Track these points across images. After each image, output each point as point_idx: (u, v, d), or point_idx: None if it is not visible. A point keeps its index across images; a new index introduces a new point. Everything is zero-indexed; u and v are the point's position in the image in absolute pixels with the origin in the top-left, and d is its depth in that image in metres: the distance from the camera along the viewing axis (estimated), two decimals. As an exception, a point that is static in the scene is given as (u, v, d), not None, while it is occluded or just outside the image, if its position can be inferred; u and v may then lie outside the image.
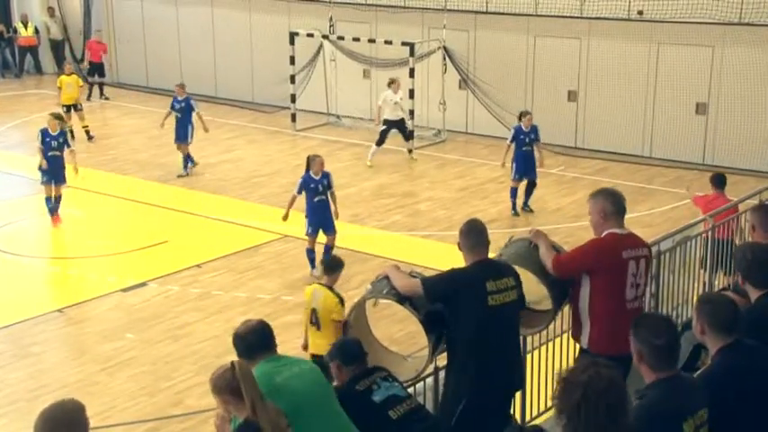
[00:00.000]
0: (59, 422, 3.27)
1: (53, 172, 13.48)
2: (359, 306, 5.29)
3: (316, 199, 11.27)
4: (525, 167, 13.57)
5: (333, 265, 8.20)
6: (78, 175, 13.78)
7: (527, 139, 13.59)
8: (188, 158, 16.05)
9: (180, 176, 15.85)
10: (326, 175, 11.37)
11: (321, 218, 11.33)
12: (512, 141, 13.63)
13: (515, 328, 5.12)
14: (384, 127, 16.68)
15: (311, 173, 11.32)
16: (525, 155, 13.57)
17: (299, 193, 11.32)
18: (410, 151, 17.31)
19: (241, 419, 3.81)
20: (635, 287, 5.25)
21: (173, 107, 16.05)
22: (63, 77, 18.34)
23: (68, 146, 13.73)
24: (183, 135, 15.94)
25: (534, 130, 13.69)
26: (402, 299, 4.91)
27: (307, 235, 11.41)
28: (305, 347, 8.05)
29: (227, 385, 3.85)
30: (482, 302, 4.80)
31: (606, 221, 5.22)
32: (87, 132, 18.33)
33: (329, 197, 11.35)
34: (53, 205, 13.56)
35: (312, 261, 11.43)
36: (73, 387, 8.82)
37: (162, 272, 11.66)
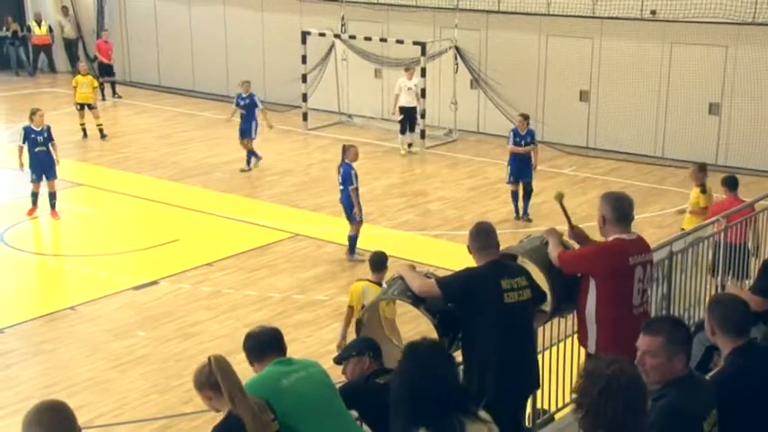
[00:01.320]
0: (55, 415, 3.24)
1: (42, 168, 13.46)
2: (373, 306, 5.29)
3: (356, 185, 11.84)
4: (518, 170, 13.45)
5: (380, 262, 8.26)
6: (59, 166, 13.76)
7: (522, 142, 13.51)
8: (251, 154, 16.22)
9: (243, 171, 16.09)
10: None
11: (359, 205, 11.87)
12: (514, 144, 13.52)
13: (531, 327, 5.14)
14: (401, 116, 17.26)
15: (348, 161, 11.72)
16: (520, 157, 13.48)
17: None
18: (410, 145, 17.43)
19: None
20: (641, 293, 5.26)
21: (237, 104, 16.36)
22: (78, 77, 18.44)
23: (52, 140, 13.65)
24: (247, 131, 16.14)
25: (530, 133, 13.60)
26: (417, 301, 4.91)
27: (357, 223, 11.80)
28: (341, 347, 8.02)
29: (207, 380, 3.91)
30: (498, 300, 4.83)
31: (606, 226, 5.24)
32: (101, 131, 18.41)
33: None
34: (50, 201, 13.57)
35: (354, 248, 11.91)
36: (85, 384, 8.87)
37: (173, 270, 11.69)
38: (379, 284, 8.05)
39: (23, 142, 13.47)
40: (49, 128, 13.67)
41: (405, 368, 3.60)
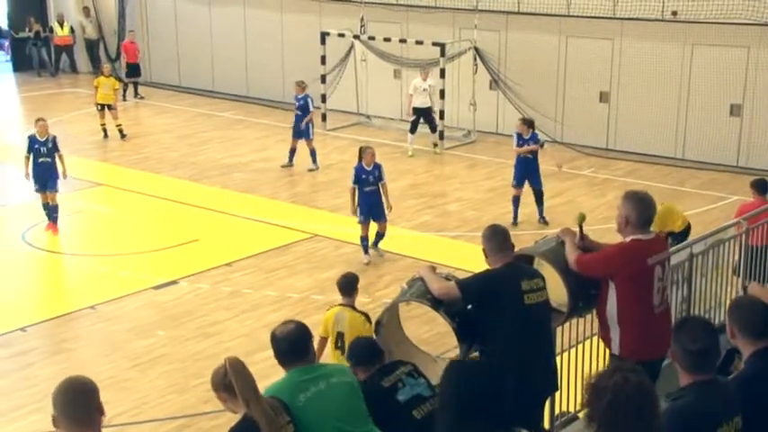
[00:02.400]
0: (77, 389, 3.46)
1: (43, 179, 12.88)
2: (392, 307, 5.28)
3: (366, 189, 11.71)
4: (523, 173, 13.28)
5: (349, 285, 7.75)
6: (66, 179, 13.23)
7: (525, 146, 13.34)
8: (313, 152, 16.32)
9: (310, 170, 16.26)
10: (378, 167, 11.82)
11: (372, 207, 11.75)
12: (520, 146, 13.33)
13: (549, 328, 5.12)
14: (414, 117, 17.32)
15: (363, 164, 11.77)
16: (525, 161, 13.32)
17: (356, 183, 11.76)
18: (435, 145, 17.52)
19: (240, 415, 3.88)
20: (661, 291, 5.25)
21: (297, 107, 16.34)
22: (101, 78, 18.44)
23: (58, 150, 13.05)
24: (305, 131, 16.21)
25: (534, 137, 13.41)
26: (437, 304, 4.89)
27: (359, 223, 11.83)
28: None
29: (221, 383, 3.93)
30: (519, 301, 4.82)
31: (627, 227, 5.21)
32: (120, 131, 18.48)
33: (380, 188, 11.83)
34: (51, 213, 12.97)
35: (365, 248, 11.90)
36: (105, 383, 8.90)
37: (193, 270, 11.75)
38: (352, 308, 7.58)
39: (28, 152, 12.99)
40: (54, 138, 13.10)
41: (450, 385, 3.54)
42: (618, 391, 3.03)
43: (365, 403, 4.35)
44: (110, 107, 18.41)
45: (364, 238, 11.89)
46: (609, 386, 3.05)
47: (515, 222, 13.22)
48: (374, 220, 11.85)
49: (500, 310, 4.83)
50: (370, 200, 11.75)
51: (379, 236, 12.01)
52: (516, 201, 13.39)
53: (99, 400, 3.47)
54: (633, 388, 3.04)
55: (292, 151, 16.41)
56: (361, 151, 11.94)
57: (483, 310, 4.87)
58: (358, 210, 11.82)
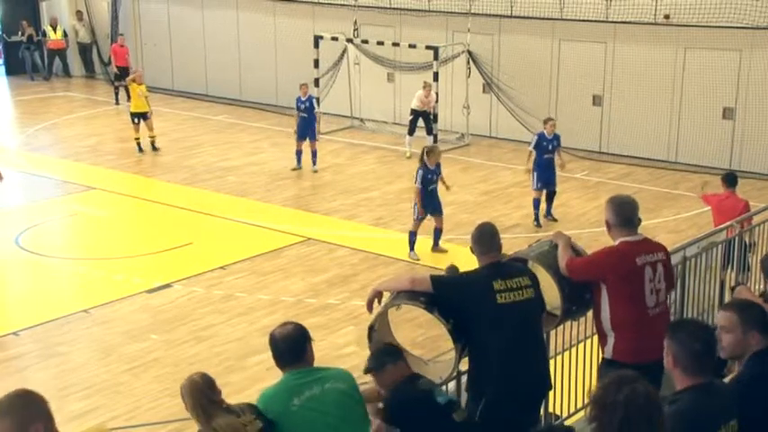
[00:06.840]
0: (26, 398, 3.35)
1: None
2: (383, 313, 5.28)
3: (430, 188, 12.20)
4: (547, 176, 13.40)
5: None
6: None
7: (550, 146, 13.41)
8: (315, 153, 16.33)
9: (314, 171, 16.31)
10: (439, 165, 12.31)
11: (434, 203, 12.26)
12: (534, 148, 13.43)
13: (534, 327, 5.05)
14: (411, 117, 17.39)
15: (428, 164, 12.12)
16: (548, 162, 13.40)
17: (423, 185, 12.09)
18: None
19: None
20: (655, 293, 5.21)
21: (298, 108, 16.34)
22: (134, 86, 17.74)
23: None
24: (311, 133, 16.26)
25: (557, 137, 13.52)
26: (431, 306, 4.90)
27: (416, 219, 12.19)
28: None
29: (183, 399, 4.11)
30: (490, 301, 4.80)
31: (611, 230, 5.26)
32: (153, 143, 17.83)
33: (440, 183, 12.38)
34: None
35: (412, 244, 12.19)
36: (98, 387, 8.91)
37: (186, 273, 11.74)
38: None
39: None
40: None
41: None
42: (629, 405, 2.99)
43: (361, 408, 4.34)
44: (144, 117, 17.64)
45: (414, 233, 12.28)
46: (620, 401, 2.99)
47: (538, 224, 13.36)
48: (434, 215, 12.32)
49: (472, 310, 4.83)
50: (432, 197, 12.23)
51: (438, 232, 12.43)
52: (537, 203, 13.47)
53: (39, 412, 3.29)
54: (644, 399, 3.02)
55: (299, 153, 16.39)
56: (428, 152, 12.26)
57: (454, 310, 4.86)
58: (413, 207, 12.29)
